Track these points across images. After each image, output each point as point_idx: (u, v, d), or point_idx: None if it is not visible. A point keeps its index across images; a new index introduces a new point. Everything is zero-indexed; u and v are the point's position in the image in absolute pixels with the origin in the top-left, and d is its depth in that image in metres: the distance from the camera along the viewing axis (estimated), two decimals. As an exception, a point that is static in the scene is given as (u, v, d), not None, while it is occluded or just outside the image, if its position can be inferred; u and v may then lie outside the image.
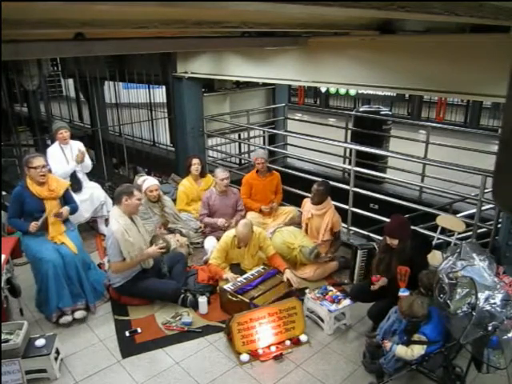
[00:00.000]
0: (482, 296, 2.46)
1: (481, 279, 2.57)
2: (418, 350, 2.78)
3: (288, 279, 3.93)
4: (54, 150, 4.90)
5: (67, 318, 3.64)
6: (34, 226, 3.62)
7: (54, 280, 3.56)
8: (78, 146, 5.03)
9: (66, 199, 3.91)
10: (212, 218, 4.97)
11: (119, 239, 3.62)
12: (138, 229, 3.86)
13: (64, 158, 4.89)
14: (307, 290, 3.83)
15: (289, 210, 5.29)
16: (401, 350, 2.82)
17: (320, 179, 4.81)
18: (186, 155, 6.98)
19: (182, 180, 5.63)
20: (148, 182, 4.65)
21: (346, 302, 3.63)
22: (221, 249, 4.13)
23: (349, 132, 7.83)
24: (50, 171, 4.01)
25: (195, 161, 5.42)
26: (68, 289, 3.63)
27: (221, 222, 4.87)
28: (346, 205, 5.04)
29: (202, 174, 5.53)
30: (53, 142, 5.07)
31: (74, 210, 4.01)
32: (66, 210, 3.82)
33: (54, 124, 5.31)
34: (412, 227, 3.65)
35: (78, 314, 3.69)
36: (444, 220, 4.35)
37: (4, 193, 5.57)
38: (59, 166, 4.75)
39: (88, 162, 5.09)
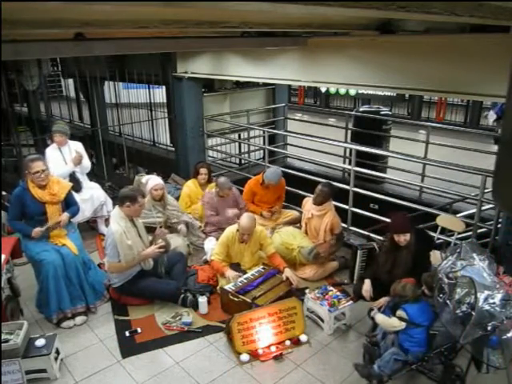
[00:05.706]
0: (481, 296, 2.46)
1: (480, 279, 2.57)
2: (394, 321, 2.92)
3: (287, 278, 3.93)
4: (51, 151, 4.88)
5: (69, 324, 3.64)
6: (37, 232, 3.56)
7: (54, 282, 3.54)
8: (76, 147, 5.01)
9: (67, 201, 3.85)
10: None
11: (117, 241, 3.62)
12: (139, 231, 3.86)
13: (62, 158, 4.87)
14: (307, 290, 3.83)
15: (291, 214, 5.29)
16: (379, 318, 3.02)
17: (320, 179, 4.80)
18: (186, 155, 7.00)
19: (188, 181, 5.63)
20: (152, 180, 4.66)
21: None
22: (222, 243, 4.12)
23: (349, 132, 7.82)
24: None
25: (203, 170, 5.42)
26: (67, 291, 3.62)
27: (232, 212, 4.88)
28: (346, 205, 5.04)
29: (209, 181, 5.52)
30: (53, 142, 5.06)
31: (75, 213, 3.95)
32: (65, 216, 3.74)
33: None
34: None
35: (79, 320, 3.69)
36: (444, 220, 4.35)
37: (4, 193, 5.56)
38: (57, 168, 4.69)
39: (87, 164, 5.05)
